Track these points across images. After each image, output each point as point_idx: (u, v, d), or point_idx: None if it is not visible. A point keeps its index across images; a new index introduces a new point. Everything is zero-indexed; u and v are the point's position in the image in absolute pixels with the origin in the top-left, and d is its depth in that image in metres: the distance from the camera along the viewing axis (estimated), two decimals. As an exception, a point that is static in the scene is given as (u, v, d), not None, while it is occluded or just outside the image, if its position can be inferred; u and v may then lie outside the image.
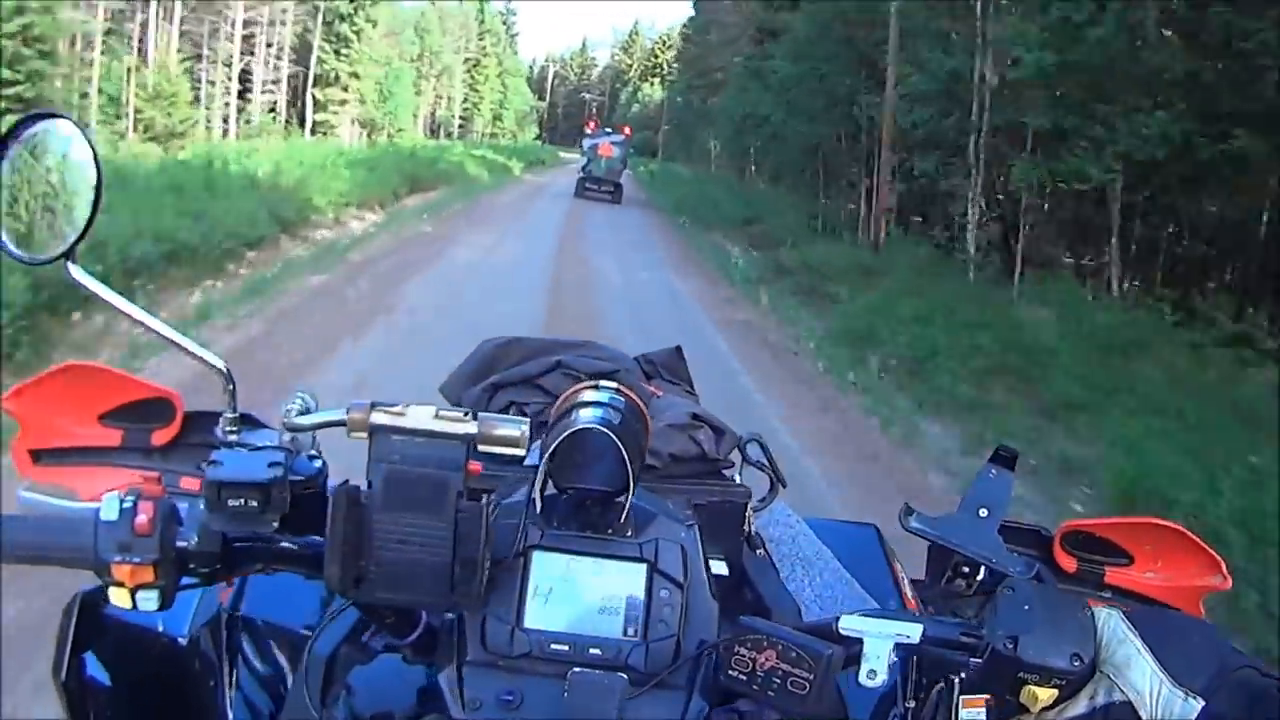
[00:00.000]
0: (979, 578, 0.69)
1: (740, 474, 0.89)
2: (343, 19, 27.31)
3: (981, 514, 0.69)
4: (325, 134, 26.35)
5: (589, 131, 22.01)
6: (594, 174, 20.61)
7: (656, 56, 78.00)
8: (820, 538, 0.97)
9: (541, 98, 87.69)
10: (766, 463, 0.87)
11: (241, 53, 24.73)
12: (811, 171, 15.77)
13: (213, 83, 24.02)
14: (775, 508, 0.94)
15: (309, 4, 26.70)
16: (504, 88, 57.06)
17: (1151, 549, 0.74)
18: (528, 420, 0.57)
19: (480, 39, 51.50)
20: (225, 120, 24.62)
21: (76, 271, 0.65)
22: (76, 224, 0.66)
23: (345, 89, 27.81)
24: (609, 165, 20.69)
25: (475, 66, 50.93)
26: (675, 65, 58.10)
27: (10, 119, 0.84)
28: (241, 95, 25.26)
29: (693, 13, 39.78)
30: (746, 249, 12.99)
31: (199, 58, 23.17)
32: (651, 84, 74.44)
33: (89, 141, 0.66)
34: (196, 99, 22.44)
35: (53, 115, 0.67)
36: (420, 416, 0.54)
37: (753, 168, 22.13)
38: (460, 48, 46.93)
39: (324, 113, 27.66)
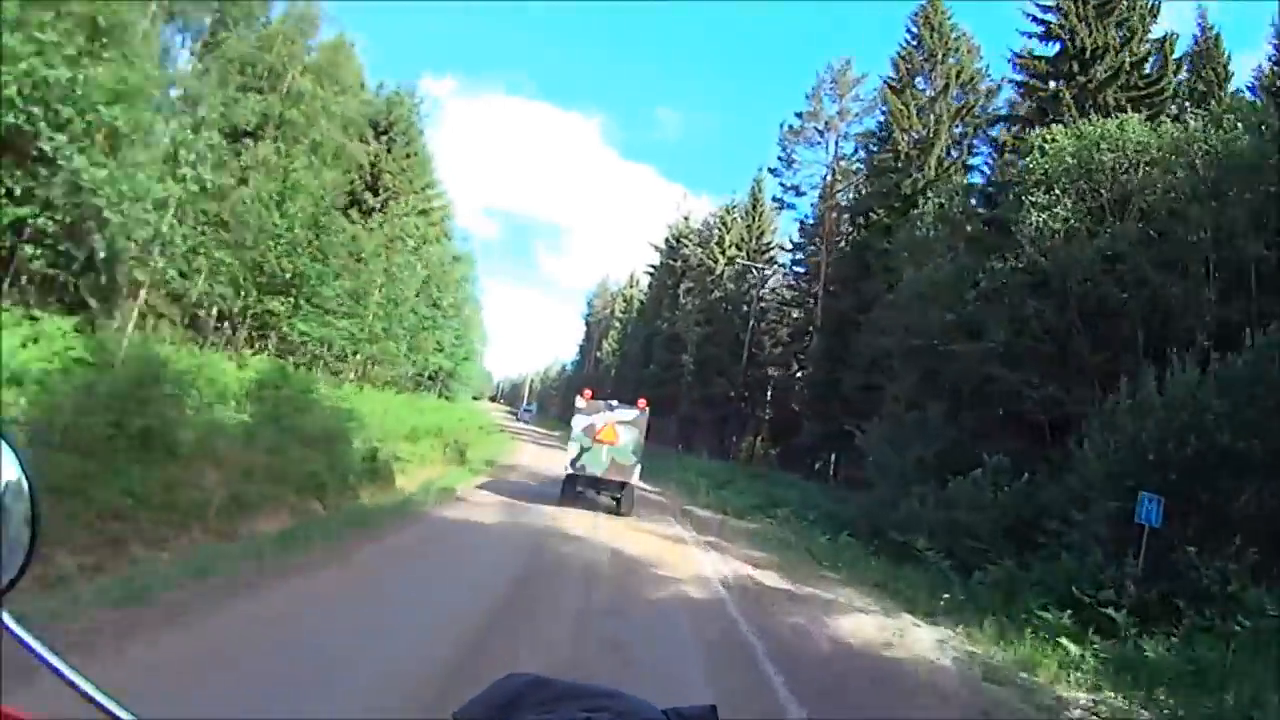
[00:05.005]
0: None
1: None
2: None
3: None
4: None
5: (582, 405, 15.00)
6: (588, 469, 14.55)
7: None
8: None
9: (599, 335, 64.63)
10: None
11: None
12: None
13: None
14: None
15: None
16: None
17: None
18: None
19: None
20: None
21: (8, 619, 0.54)
22: (8, 565, 0.52)
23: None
24: (614, 456, 14.48)
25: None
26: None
27: None
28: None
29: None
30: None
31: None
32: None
33: (24, 471, 0.51)
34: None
35: None
36: None
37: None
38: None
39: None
